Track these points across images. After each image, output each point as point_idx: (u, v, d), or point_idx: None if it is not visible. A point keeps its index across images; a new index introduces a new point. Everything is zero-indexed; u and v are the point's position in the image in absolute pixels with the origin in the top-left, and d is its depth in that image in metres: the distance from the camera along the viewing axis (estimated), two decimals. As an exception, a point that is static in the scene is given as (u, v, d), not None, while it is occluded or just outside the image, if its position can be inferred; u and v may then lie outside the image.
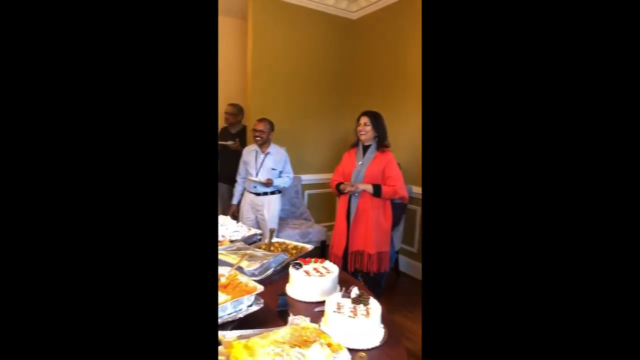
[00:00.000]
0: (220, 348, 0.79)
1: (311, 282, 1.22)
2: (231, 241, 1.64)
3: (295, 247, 1.65)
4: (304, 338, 0.84)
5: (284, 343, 0.80)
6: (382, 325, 1.01)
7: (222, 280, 1.08)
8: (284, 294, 1.16)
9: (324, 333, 0.90)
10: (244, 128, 3.40)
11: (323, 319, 1.02)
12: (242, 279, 1.09)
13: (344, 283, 1.29)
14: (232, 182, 3.02)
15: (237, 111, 3.38)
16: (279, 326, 0.91)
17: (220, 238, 1.66)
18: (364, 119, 2.19)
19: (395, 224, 2.40)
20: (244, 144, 3.21)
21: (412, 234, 3.11)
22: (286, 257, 1.47)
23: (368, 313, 0.99)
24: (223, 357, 0.77)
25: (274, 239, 1.71)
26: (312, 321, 0.94)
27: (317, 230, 3.19)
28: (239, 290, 1.02)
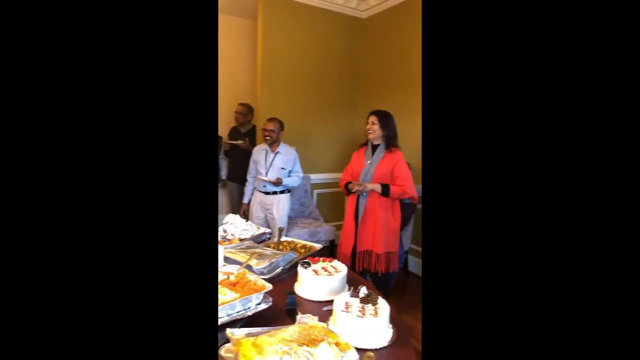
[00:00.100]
0: (228, 345, 0.80)
1: (320, 281, 1.22)
2: (240, 240, 1.65)
3: (304, 246, 1.65)
4: (312, 337, 0.84)
5: (292, 341, 0.80)
6: (390, 325, 1.01)
7: (231, 278, 1.09)
8: (293, 292, 1.17)
9: (332, 332, 0.90)
10: (254, 127, 3.42)
11: (331, 318, 1.02)
12: (251, 277, 1.10)
13: (352, 282, 1.29)
14: (242, 181, 3.04)
15: (247, 111, 3.41)
16: (287, 325, 0.91)
17: (229, 237, 1.68)
18: (372, 118, 2.19)
19: (404, 224, 2.39)
20: (253, 143, 3.23)
21: (421, 234, 3.09)
22: (295, 256, 1.47)
23: (376, 313, 0.99)
24: (231, 355, 0.77)
25: (283, 238, 1.72)
26: (320, 320, 0.94)
27: (325, 230, 3.19)
28: (247, 289, 1.03)
